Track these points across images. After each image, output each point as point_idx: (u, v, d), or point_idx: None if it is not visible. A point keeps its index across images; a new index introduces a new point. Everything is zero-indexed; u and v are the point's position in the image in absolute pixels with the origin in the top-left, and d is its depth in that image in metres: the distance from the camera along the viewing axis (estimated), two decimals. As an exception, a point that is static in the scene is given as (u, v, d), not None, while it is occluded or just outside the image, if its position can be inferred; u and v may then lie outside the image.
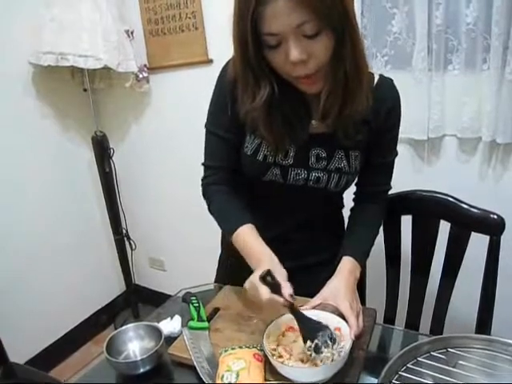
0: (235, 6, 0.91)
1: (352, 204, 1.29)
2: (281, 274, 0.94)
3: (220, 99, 1.13)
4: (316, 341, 0.88)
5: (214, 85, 1.14)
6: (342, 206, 1.31)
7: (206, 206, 1.20)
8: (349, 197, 1.28)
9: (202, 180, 1.21)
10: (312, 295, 1.05)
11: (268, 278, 0.90)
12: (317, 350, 0.87)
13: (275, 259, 1.00)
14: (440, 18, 1.51)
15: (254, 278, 0.93)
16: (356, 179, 1.19)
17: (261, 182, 1.11)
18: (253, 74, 0.97)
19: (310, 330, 0.90)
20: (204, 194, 1.21)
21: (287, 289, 0.91)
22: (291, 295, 0.90)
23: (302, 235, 1.21)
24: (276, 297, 0.90)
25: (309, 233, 1.22)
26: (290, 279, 0.95)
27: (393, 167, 1.22)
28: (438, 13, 1.51)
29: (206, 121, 1.17)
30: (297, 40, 0.87)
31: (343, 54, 0.92)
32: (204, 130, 1.17)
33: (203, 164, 1.21)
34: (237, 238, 1.09)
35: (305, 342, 0.89)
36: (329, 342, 0.88)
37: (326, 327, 0.90)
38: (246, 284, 0.97)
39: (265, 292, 0.90)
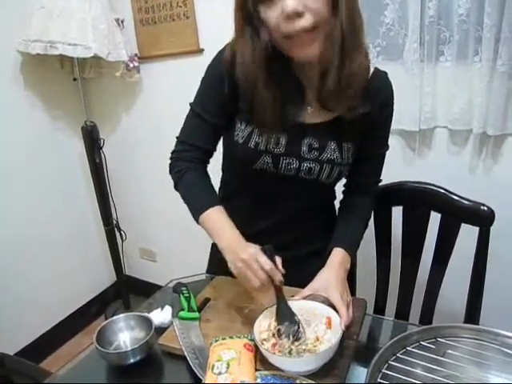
0: None
1: (342, 197, 1.29)
2: None
3: (212, 83, 1.12)
4: (280, 326, 0.92)
5: (207, 68, 1.13)
6: (334, 197, 1.32)
7: (173, 182, 1.18)
8: (340, 190, 1.29)
9: (173, 153, 1.19)
10: (303, 286, 1.06)
11: (269, 253, 0.96)
12: (278, 334, 0.91)
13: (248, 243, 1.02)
14: (433, 10, 1.50)
15: (255, 249, 0.96)
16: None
17: (253, 171, 1.11)
18: (251, 26, 0.95)
19: (283, 314, 0.94)
20: (172, 168, 1.18)
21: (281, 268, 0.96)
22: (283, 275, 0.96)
23: (294, 225, 1.21)
24: (275, 270, 0.94)
25: (301, 223, 1.22)
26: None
27: (383, 160, 1.22)
28: (431, 4, 1.50)
29: (193, 100, 1.16)
30: None
31: (338, 10, 0.91)
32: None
33: (178, 138, 1.19)
34: (206, 220, 1.08)
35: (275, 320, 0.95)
36: (291, 336, 0.90)
37: (298, 323, 0.93)
38: (243, 255, 0.96)
39: (267, 262, 0.94)
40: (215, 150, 1.20)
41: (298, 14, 0.88)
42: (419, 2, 1.51)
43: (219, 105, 1.10)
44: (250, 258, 0.95)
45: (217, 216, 1.08)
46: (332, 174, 1.10)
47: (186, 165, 1.15)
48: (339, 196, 1.31)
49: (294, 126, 1.07)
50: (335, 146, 1.09)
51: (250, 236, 1.03)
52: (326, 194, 1.27)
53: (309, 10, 0.88)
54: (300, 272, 1.11)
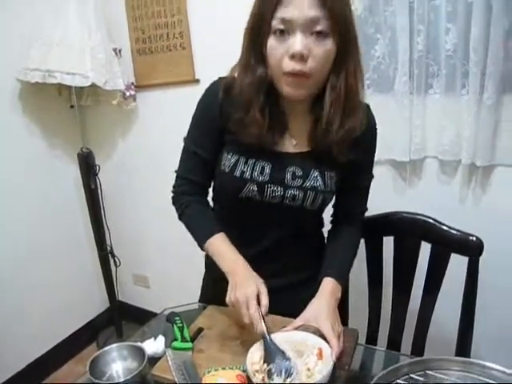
0: None
1: (329, 226, 1.32)
2: (264, 293, 1.01)
3: (204, 117, 1.16)
4: (271, 365, 0.91)
5: (198, 103, 1.17)
6: (322, 225, 1.34)
7: (177, 214, 1.25)
8: (327, 218, 1.31)
9: (174, 187, 1.26)
10: (292, 313, 1.08)
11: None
12: (269, 374, 0.90)
13: (251, 270, 1.08)
14: (421, 44, 1.56)
15: (251, 290, 1.00)
16: (333, 201, 1.23)
17: (238, 199, 1.14)
18: (255, 53, 1.01)
19: (271, 353, 0.93)
20: (175, 202, 1.25)
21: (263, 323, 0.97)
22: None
23: (281, 253, 1.23)
24: (257, 319, 0.97)
25: (288, 251, 1.23)
26: (270, 297, 1.01)
27: (368, 190, 1.26)
28: (419, 39, 1.55)
29: (186, 135, 1.21)
30: (304, 36, 0.93)
31: (346, 64, 1.00)
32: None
33: (177, 172, 1.25)
34: (211, 245, 1.15)
35: (264, 362, 0.93)
36: (283, 373, 0.90)
37: (288, 359, 0.92)
38: (240, 296, 1.00)
39: (253, 308, 0.97)
40: (211, 182, 1.25)
41: (302, 57, 0.94)
42: (408, 38, 1.56)
43: (211, 139, 1.15)
44: (241, 301, 0.99)
45: (220, 241, 1.15)
46: (316, 201, 1.13)
47: (187, 199, 1.22)
48: (327, 223, 1.33)
49: (279, 155, 1.11)
50: (318, 174, 1.12)
51: None
52: (312, 222, 1.29)
53: (312, 55, 0.94)
54: (288, 300, 1.13)
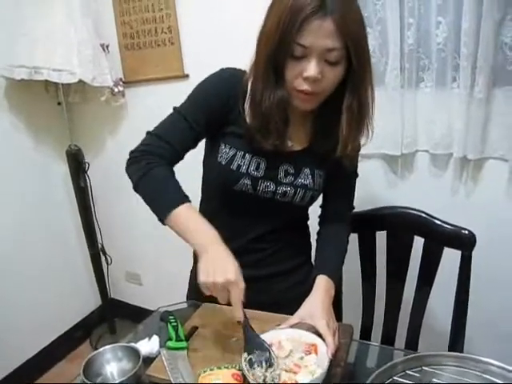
0: (283, 6, 0.94)
1: (318, 227, 1.32)
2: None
3: (208, 98, 1.12)
4: (251, 356, 0.91)
5: (204, 82, 1.14)
6: (307, 218, 1.35)
7: (134, 177, 1.12)
8: (314, 211, 1.31)
9: (141, 146, 1.14)
10: (270, 304, 1.11)
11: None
12: (250, 364, 0.90)
13: (225, 246, 1.00)
14: (412, 38, 1.56)
15: (234, 277, 0.92)
16: (320, 201, 1.27)
17: (232, 191, 1.14)
18: (275, 72, 1.01)
19: (252, 344, 0.94)
20: (138, 161, 1.12)
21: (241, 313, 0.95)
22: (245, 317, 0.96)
23: (266, 245, 1.24)
24: (240, 310, 0.94)
25: (273, 243, 1.25)
26: (251, 287, 0.96)
27: (354, 189, 1.28)
28: (410, 33, 1.55)
29: (180, 105, 1.15)
30: (319, 61, 0.95)
31: (361, 84, 1.03)
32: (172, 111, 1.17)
33: (150, 133, 1.15)
34: (177, 214, 1.03)
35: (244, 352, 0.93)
36: (263, 363, 0.90)
37: (268, 350, 0.92)
38: (219, 278, 0.92)
39: (238, 297, 0.93)
40: (183, 157, 1.16)
41: (315, 80, 0.97)
42: (398, 31, 1.56)
43: (207, 119, 1.12)
44: (221, 284, 0.92)
45: (189, 211, 1.05)
46: (305, 198, 1.17)
47: (157, 160, 1.10)
48: (312, 217, 1.33)
49: (274, 152, 1.11)
50: (309, 172, 1.16)
51: None
52: (299, 216, 1.31)
53: (325, 77, 0.98)
54: (269, 290, 1.18)
